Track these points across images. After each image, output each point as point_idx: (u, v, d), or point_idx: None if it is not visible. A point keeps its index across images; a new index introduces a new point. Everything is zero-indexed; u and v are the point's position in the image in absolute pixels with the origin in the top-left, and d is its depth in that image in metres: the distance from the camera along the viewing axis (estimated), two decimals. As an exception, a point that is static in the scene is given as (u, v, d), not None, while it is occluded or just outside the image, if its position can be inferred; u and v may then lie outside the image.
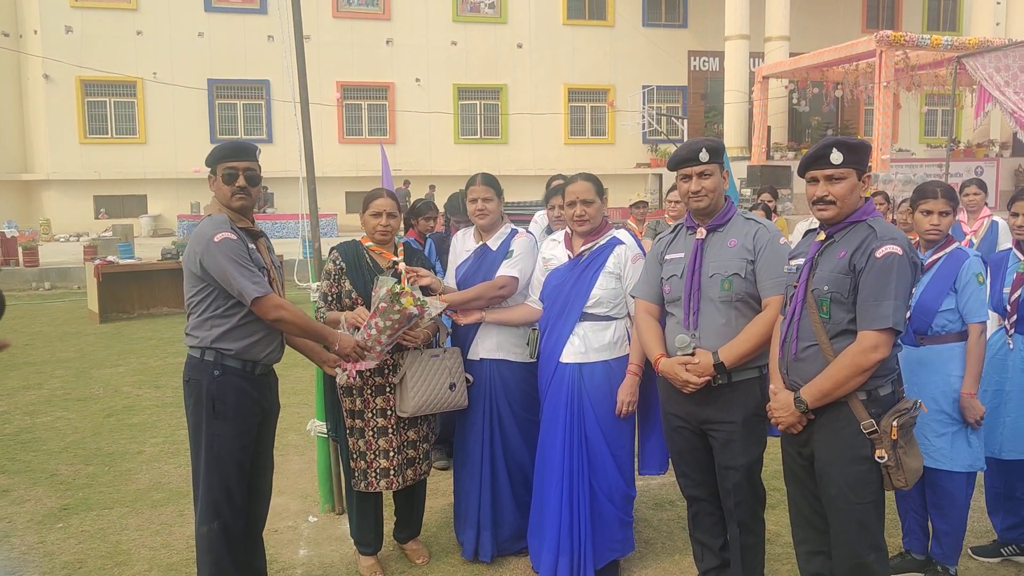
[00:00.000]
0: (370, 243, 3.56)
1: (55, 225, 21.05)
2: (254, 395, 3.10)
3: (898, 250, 2.48)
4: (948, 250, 3.26)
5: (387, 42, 23.16)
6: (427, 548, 3.83)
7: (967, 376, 3.20)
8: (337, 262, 3.52)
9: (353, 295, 3.48)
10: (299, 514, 4.32)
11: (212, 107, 22.45)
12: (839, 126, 24.80)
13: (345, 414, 3.53)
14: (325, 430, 4.14)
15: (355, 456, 3.51)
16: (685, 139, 21.94)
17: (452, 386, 3.54)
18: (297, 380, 7.28)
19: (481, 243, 3.71)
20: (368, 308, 3.39)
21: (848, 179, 2.59)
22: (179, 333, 3.34)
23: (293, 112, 4.10)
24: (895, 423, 2.51)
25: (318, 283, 4.12)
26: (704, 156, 2.95)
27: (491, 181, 3.67)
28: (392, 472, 3.49)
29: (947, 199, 3.23)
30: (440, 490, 4.47)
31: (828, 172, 2.60)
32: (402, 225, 4.49)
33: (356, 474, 3.51)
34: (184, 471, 4.92)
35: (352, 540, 3.73)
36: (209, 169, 3.07)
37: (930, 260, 3.27)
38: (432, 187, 20.00)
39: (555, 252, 3.59)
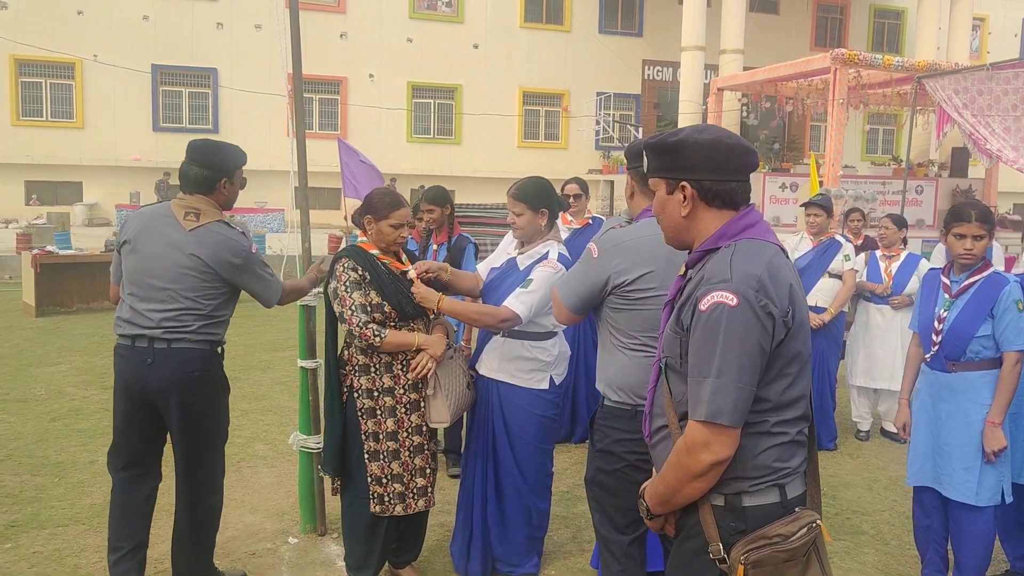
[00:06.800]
0: (375, 251, 3.29)
1: (-19, 211, 19.96)
2: None
3: (730, 299, 1.72)
4: (985, 274, 3.15)
5: (341, 36, 22.63)
6: (422, 573, 3.58)
7: (995, 405, 3.10)
8: (359, 271, 3.19)
9: (386, 308, 3.18)
10: (277, 535, 4.00)
11: (155, 94, 21.57)
12: (786, 140, 25.25)
13: (364, 436, 3.24)
14: (310, 445, 3.85)
15: (371, 480, 3.25)
16: (639, 147, 21.98)
17: (469, 385, 3.41)
18: (257, 384, 6.92)
19: (515, 255, 3.48)
20: (398, 320, 3.24)
21: (658, 191, 1.97)
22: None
23: (288, 107, 3.80)
24: (745, 557, 1.74)
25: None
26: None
27: (521, 195, 3.35)
28: (409, 496, 3.28)
29: (981, 222, 3.13)
30: (432, 510, 4.20)
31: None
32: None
33: (373, 497, 3.24)
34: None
35: (345, 565, 3.44)
36: (221, 177, 3.18)
37: (965, 283, 3.17)
38: (393, 180, 19.63)
39: None
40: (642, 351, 2.64)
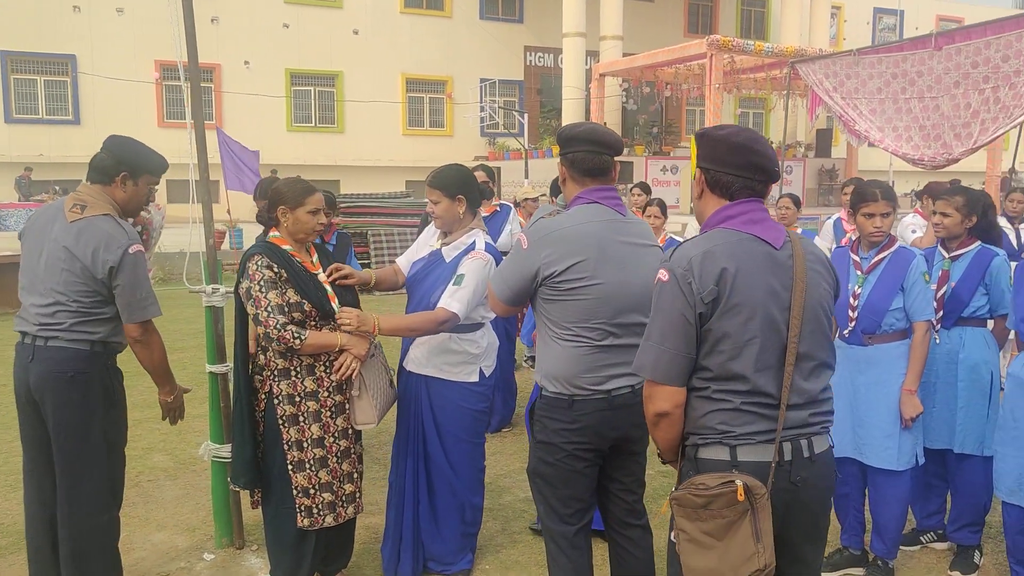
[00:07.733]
0: (288, 246, 3.09)
1: None
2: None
3: (663, 275, 2.03)
4: (892, 249, 3.30)
5: (212, 20, 21.55)
6: (351, 580, 3.45)
7: (909, 373, 3.26)
8: (275, 269, 2.97)
9: (306, 307, 2.98)
10: (191, 552, 3.75)
11: (5, 82, 19.96)
12: (663, 125, 25.99)
13: (286, 446, 3.05)
14: (223, 454, 3.62)
15: (297, 492, 3.06)
16: (524, 133, 22.13)
17: (391, 383, 3.30)
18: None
19: (438, 247, 3.36)
20: (319, 319, 3.04)
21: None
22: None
23: (189, 95, 3.54)
24: (671, 494, 2.02)
25: (214, 286, 3.61)
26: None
27: (437, 182, 3.25)
28: (339, 504, 3.10)
29: (887, 200, 3.26)
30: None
31: None
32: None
33: (301, 511, 3.06)
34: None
35: (270, 580, 3.26)
36: (121, 170, 3.00)
37: (875, 259, 3.30)
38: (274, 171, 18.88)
39: None
40: (575, 341, 2.61)
